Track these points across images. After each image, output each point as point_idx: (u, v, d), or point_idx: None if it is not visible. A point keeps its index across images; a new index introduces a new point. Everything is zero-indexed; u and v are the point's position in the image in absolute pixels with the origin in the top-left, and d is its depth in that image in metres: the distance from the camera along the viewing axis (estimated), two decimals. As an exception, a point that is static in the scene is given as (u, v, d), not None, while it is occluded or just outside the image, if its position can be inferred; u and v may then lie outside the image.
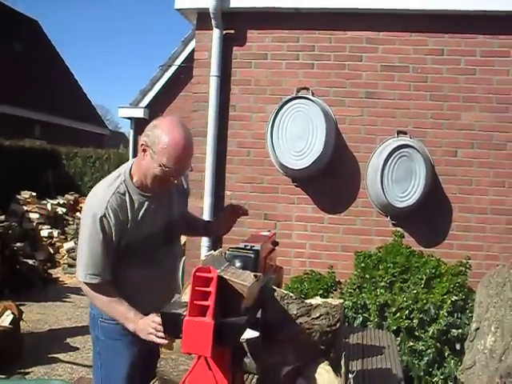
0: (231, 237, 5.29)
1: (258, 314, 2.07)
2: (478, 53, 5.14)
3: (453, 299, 4.49)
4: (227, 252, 2.22)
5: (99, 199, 2.56)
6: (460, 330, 4.46)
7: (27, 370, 5.48)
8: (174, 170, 2.52)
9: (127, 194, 2.60)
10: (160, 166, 2.49)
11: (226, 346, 1.88)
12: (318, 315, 2.15)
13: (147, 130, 2.56)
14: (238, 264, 2.15)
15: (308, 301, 2.20)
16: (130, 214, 2.59)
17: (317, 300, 2.23)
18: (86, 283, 2.58)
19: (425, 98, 5.22)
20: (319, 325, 2.14)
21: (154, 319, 2.36)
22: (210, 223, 3.80)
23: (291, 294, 2.17)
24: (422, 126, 5.23)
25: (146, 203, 2.65)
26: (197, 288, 1.78)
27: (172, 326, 1.89)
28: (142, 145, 2.54)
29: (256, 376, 2.19)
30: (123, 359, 2.67)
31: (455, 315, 4.51)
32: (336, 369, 2.13)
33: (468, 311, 4.49)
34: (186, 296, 1.95)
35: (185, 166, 2.60)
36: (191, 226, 3.16)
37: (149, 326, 2.39)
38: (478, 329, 3.64)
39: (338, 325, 2.17)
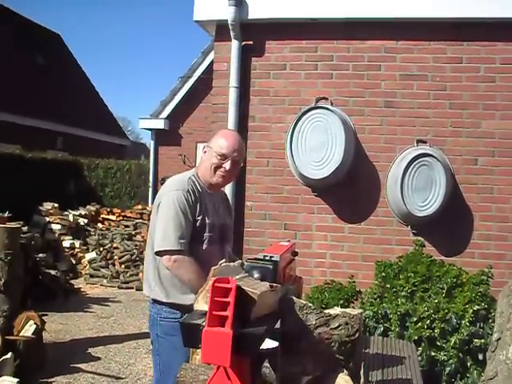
0: (251, 247, 5.36)
1: (277, 325, 2.08)
2: (497, 60, 5.10)
3: (475, 309, 4.45)
4: (245, 263, 2.23)
5: (177, 182, 3.15)
6: (483, 340, 4.40)
7: (50, 380, 5.52)
8: (226, 157, 3.11)
9: (197, 184, 3.16)
10: (215, 154, 3.11)
11: (245, 356, 1.89)
12: (336, 325, 2.14)
13: None
14: (256, 275, 2.16)
15: (327, 311, 2.19)
16: (199, 199, 3.10)
17: (336, 310, 2.22)
18: (174, 252, 2.97)
19: (444, 107, 5.20)
20: (338, 335, 2.14)
21: None
22: None
23: (310, 304, 2.16)
24: (441, 135, 5.20)
25: (207, 198, 3.17)
26: (215, 298, 1.79)
27: (191, 337, 1.91)
28: (204, 147, 3.22)
29: (275, 386, 2.19)
30: (181, 352, 2.81)
31: (477, 325, 4.46)
32: (355, 379, 2.13)
33: (491, 321, 4.43)
34: (197, 304, 1.97)
35: (235, 155, 3.16)
36: None
37: None
38: (499, 339, 3.57)
39: (356, 335, 2.16)
